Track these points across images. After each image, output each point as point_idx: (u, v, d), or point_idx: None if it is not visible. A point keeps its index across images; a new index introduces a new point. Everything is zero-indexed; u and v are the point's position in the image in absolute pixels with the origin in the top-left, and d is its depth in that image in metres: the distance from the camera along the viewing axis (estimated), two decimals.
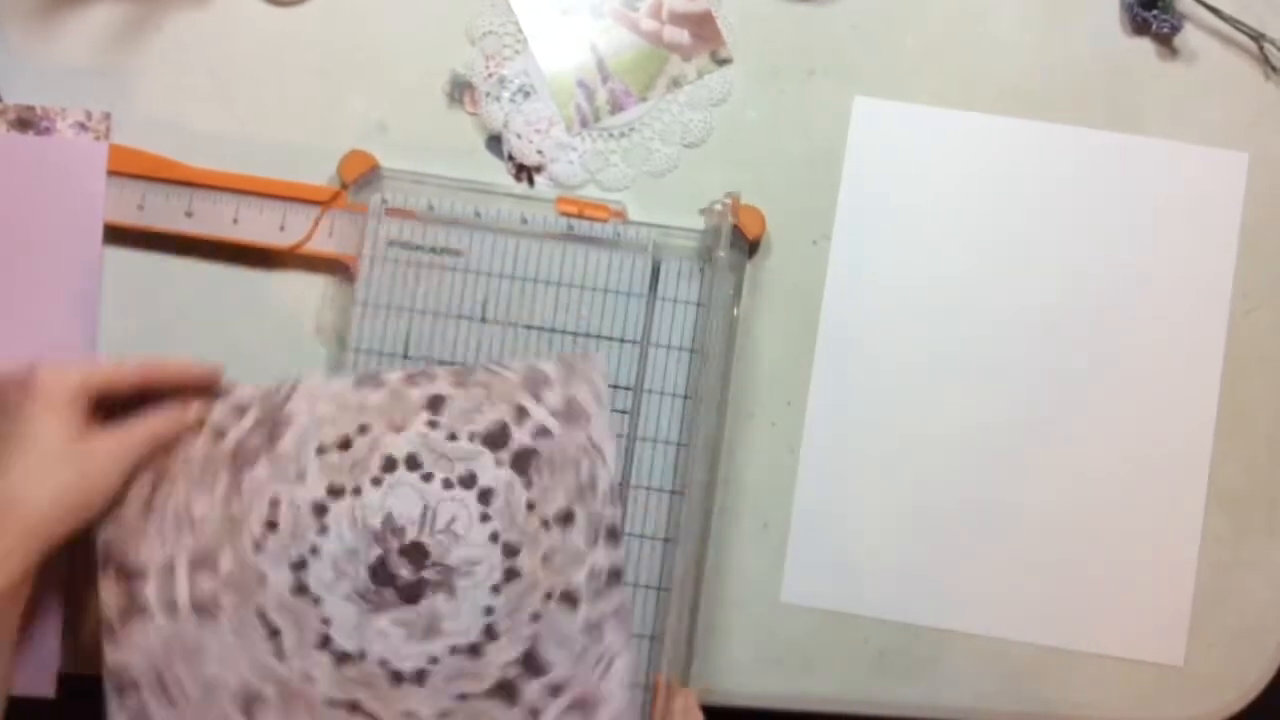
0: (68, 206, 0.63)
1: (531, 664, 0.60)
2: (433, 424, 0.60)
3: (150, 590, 0.59)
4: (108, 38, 0.65)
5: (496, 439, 0.60)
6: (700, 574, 0.62)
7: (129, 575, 0.59)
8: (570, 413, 0.60)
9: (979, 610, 0.64)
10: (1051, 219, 0.65)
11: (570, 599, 0.60)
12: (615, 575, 0.60)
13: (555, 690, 0.60)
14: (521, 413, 0.61)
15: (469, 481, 0.60)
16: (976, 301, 0.65)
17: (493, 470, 0.60)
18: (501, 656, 0.60)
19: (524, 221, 0.63)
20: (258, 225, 0.64)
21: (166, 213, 0.63)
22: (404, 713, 0.59)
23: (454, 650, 0.60)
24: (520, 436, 0.60)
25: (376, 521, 0.59)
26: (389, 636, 0.59)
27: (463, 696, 0.60)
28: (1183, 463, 0.64)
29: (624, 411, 0.63)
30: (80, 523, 0.55)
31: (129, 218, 0.63)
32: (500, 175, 0.65)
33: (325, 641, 0.59)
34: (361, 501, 0.60)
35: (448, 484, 0.60)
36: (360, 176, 0.63)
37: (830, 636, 0.63)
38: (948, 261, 0.65)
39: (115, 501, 0.57)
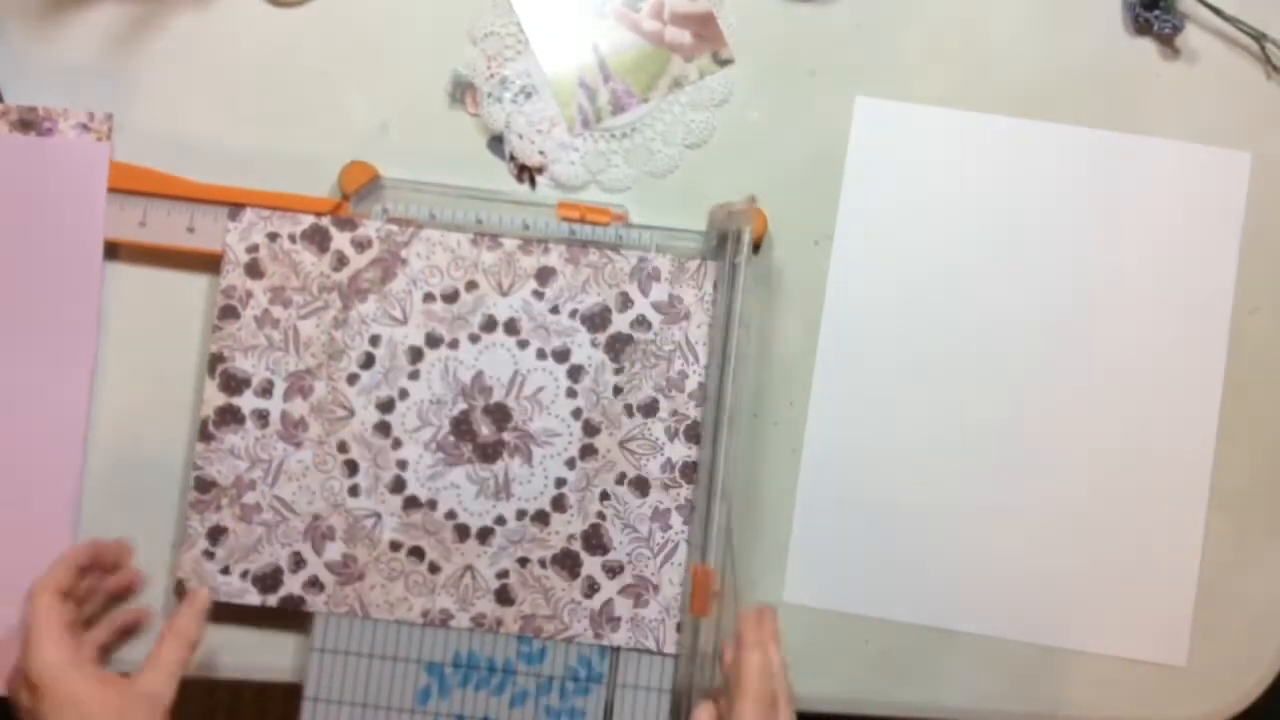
0: (70, 207, 0.63)
1: (594, 541, 0.62)
2: (538, 294, 0.63)
3: (248, 399, 0.62)
4: (110, 38, 0.65)
5: (596, 320, 0.62)
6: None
7: (233, 382, 0.62)
8: (673, 310, 0.62)
9: (981, 610, 0.64)
10: (1053, 219, 0.65)
11: (641, 485, 0.62)
12: (688, 471, 0.62)
13: (613, 570, 0.62)
14: (625, 300, 0.62)
15: (562, 356, 0.62)
16: (978, 301, 0.65)
17: (587, 349, 0.62)
18: (567, 529, 0.62)
19: (526, 227, 0.63)
20: None
21: (168, 229, 0.63)
22: (464, 567, 0.62)
23: (521, 515, 0.62)
24: (619, 323, 0.62)
25: (467, 377, 0.62)
26: (461, 491, 0.62)
27: (523, 561, 0.62)
28: (1184, 463, 0.64)
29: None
30: None
31: (131, 234, 0.63)
32: (502, 175, 0.65)
33: (399, 485, 0.62)
34: (456, 355, 0.62)
35: (541, 354, 0.62)
36: (361, 187, 0.63)
37: (832, 637, 0.64)
38: (949, 262, 0.65)
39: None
